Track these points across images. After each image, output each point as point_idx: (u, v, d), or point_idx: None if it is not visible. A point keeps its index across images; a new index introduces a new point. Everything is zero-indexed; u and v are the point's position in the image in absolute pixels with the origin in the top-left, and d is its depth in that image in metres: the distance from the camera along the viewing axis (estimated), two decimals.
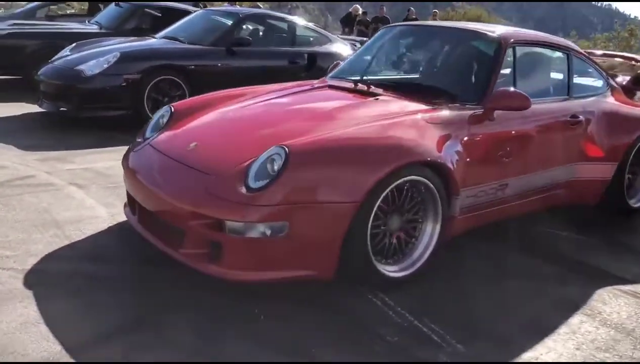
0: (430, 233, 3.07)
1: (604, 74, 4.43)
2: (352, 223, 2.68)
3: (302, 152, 2.69)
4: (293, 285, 2.75)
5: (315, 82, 3.99)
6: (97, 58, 6.16)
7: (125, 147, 3.51)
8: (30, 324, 2.43)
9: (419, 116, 3.12)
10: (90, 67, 6.03)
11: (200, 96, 3.81)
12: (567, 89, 4.00)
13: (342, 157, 2.73)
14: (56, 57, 6.73)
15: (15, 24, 8.40)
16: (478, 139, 3.26)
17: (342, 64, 4.32)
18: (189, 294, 2.77)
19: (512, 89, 3.36)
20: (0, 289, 2.69)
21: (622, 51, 13.58)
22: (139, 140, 3.49)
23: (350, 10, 16.14)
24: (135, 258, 3.11)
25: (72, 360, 2.23)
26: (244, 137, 3.07)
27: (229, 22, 6.92)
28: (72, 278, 2.84)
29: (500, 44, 3.57)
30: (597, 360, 2.53)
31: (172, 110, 3.54)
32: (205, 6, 11.27)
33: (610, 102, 4.27)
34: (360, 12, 15.89)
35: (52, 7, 10.89)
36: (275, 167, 2.65)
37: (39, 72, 6.43)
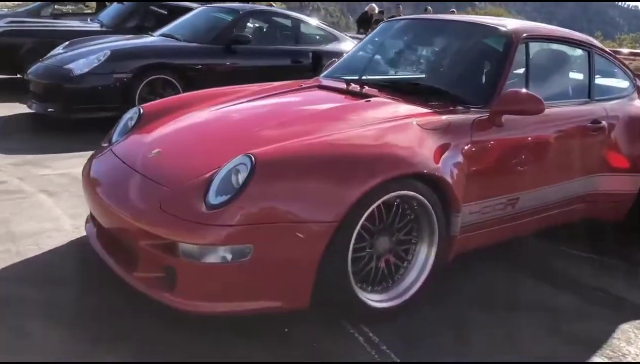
0: (425, 256, 2.65)
1: (631, 74, 3.96)
2: (329, 246, 2.28)
3: (270, 162, 2.29)
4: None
5: (307, 82, 3.59)
6: (87, 56, 5.83)
7: None
8: None
9: (414, 121, 2.70)
10: (79, 66, 5.71)
11: (175, 96, 3.44)
12: (588, 91, 3.55)
13: (319, 168, 2.33)
14: (48, 55, 6.43)
15: (12, 22, 8.14)
16: (483, 147, 2.84)
17: (337, 62, 3.91)
18: (144, 330, 2.38)
19: (523, 90, 2.93)
20: None
21: None
22: (104, 145, 3.13)
23: (366, 9, 15.70)
24: (88, 282, 2.74)
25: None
26: (212, 144, 2.69)
27: (229, 19, 6.54)
28: (7, 303, 2.48)
29: (511, 39, 3.14)
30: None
31: (141, 111, 3.17)
32: None
33: (638, 105, 3.80)
34: (376, 11, 15.44)
35: (57, 5, 10.63)
36: (240, 180, 2.26)
37: (28, 71, 6.13)
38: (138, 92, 5.79)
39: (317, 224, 2.25)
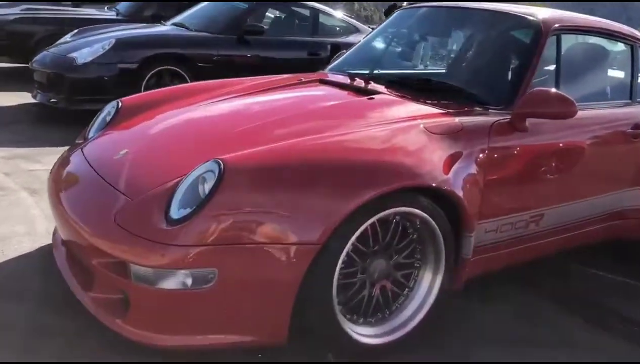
0: (429, 283, 2.27)
1: None
2: (310, 271, 1.91)
3: (241, 169, 1.93)
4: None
5: (309, 76, 3.21)
6: (92, 45, 5.56)
7: None
8: None
9: (421, 123, 2.30)
10: (83, 55, 5.44)
11: (160, 89, 3.10)
12: (630, 92, 3.09)
13: (300, 178, 1.96)
14: (56, 43, 6.18)
15: (27, 9, 7.93)
16: (502, 155, 2.43)
17: (345, 54, 3.52)
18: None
19: (552, 90, 2.51)
20: None
21: None
22: (78, 141, 2.82)
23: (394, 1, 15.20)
24: (46, 299, 2.43)
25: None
26: (185, 145, 2.34)
27: (242, 8, 6.19)
28: None
29: (540, 30, 2.70)
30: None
31: (120, 105, 2.84)
32: None
33: None
34: (405, 4, 14.93)
35: None
36: (207, 190, 1.90)
37: (33, 60, 5.90)
38: (144, 83, 5.49)
39: (296, 246, 1.88)
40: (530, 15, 2.82)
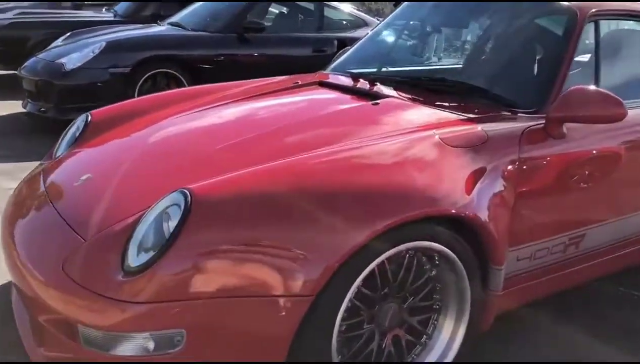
0: (451, 330, 1.87)
1: None
2: (303, 328, 1.53)
3: (213, 201, 1.55)
4: None
5: (308, 78, 2.81)
6: (82, 49, 5.21)
7: None
8: None
9: (436, 134, 1.90)
10: (72, 60, 5.09)
11: (136, 99, 2.72)
12: None
13: (286, 210, 1.57)
14: (47, 48, 5.85)
15: (21, 13, 7.62)
16: (536, 168, 2.02)
17: (348, 51, 3.12)
18: None
19: (593, 87, 2.09)
20: None
21: None
22: (41, 163, 2.46)
23: None
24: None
25: None
26: (153, 170, 1.96)
27: (241, 5, 5.80)
28: None
29: (575, 17, 2.28)
30: None
31: (89, 119, 2.47)
32: None
33: None
34: None
35: None
36: (171, 228, 1.52)
37: (22, 67, 5.57)
38: (138, 88, 5.13)
39: (285, 298, 1.50)
40: (564, 1, 2.39)
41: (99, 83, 5.05)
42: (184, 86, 5.23)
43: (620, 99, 2.00)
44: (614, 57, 2.49)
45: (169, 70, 5.28)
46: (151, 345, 1.48)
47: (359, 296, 1.65)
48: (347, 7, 7.14)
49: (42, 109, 5.18)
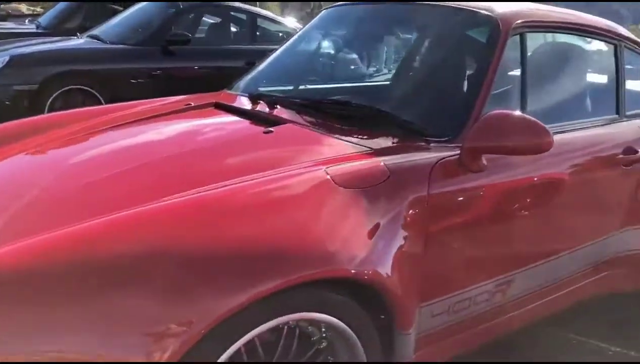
0: None
1: None
2: None
3: (7, 275, 1.17)
4: None
5: (205, 99, 2.45)
6: None
7: None
8: None
9: (327, 172, 1.55)
10: None
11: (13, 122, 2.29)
12: (616, 104, 2.41)
13: (111, 279, 1.20)
14: None
15: None
16: (450, 206, 1.72)
17: (257, 67, 2.76)
18: None
19: (516, 113, 1.80)
20: None
21: None
22: None
23: None
24: None
25: None
26: None
27: (164, 16, 5.41)
28: None
29: (497, 28, 1.98)
30: None
31: None
32: None
33: None
34: None
35: (3, 5, 9.53)
36: None
37: None
38: (47, 106, 4.68)
39: None
40: (485, 10, 2.09)
41: (5, 101, 4.58)
42: (101, 103, 4.81)
43: (546, 128, 1.70)
44: (544, 75, 2.22)
45: (83, 87, 4.85)
46: None
47: None
48: (291, 22, 6.84)
49: None
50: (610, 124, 2.34)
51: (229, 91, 2.59)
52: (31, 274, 1.17)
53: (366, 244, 1.46)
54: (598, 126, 2.28)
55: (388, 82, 2.42)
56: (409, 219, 1.59)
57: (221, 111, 2.24)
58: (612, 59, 2.46)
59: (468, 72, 2.01)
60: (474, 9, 2.11)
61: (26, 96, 4.61)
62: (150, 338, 1.15)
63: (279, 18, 6.64)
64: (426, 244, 1.63)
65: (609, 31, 2.47)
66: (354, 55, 2.71)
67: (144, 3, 6.01)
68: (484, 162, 1.76)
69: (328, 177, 1.53)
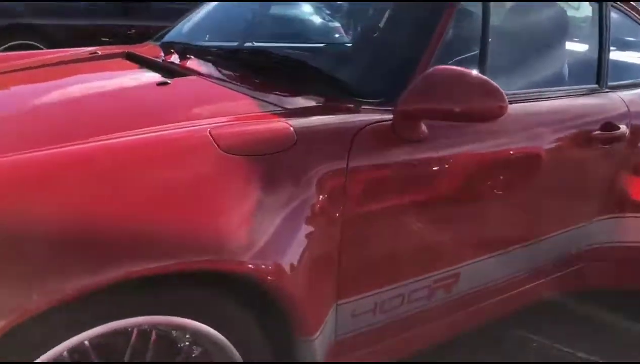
0: None
1: None
2: None
3: None
4: None
5: (118, 49, 2.10)
6: None
7: None
8: None
9: (210, 133, 1.20)
10: None
11: None
12: (597, 73, 2.06)
13: None
14: None
15: None
16: (377, 183, 1.38)
17: (192, 17, 2.39)
18: None
19: (460, 68, 1.44)
20: None
21: None
22: None
23: None
24: None
25: None
26: None
27: None
28: None
29: None
30: None
31: None
32: None
33: None
34: None
35: None
36: None
37: None
38: None
39: None
40: None
41: None
42: None
43: (499, 88, 1.36)
44: (510, 36, 1.88)
45: (31, 42, 4.48)
46: None
47: None
48: None
49: None
50: (587, 95, 2.00)
51: (153, 42, 2.24)
52: None
53: (252, 229, 1.13)
54: (572, 95, 1.94)
55: (328, 40, 2.07)
56: (320, 197, 1.26)
57: (129, 60, 1.89)
58: (596, 21, 2.11)
59: (412, 32, 1.64)
60: None
61: None
62: None
63: None
64: (343, 228, 1.30)
65: None
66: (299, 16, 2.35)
67: None
68: (424, 129, 1.42)
69: (210, 139, 1.18)
